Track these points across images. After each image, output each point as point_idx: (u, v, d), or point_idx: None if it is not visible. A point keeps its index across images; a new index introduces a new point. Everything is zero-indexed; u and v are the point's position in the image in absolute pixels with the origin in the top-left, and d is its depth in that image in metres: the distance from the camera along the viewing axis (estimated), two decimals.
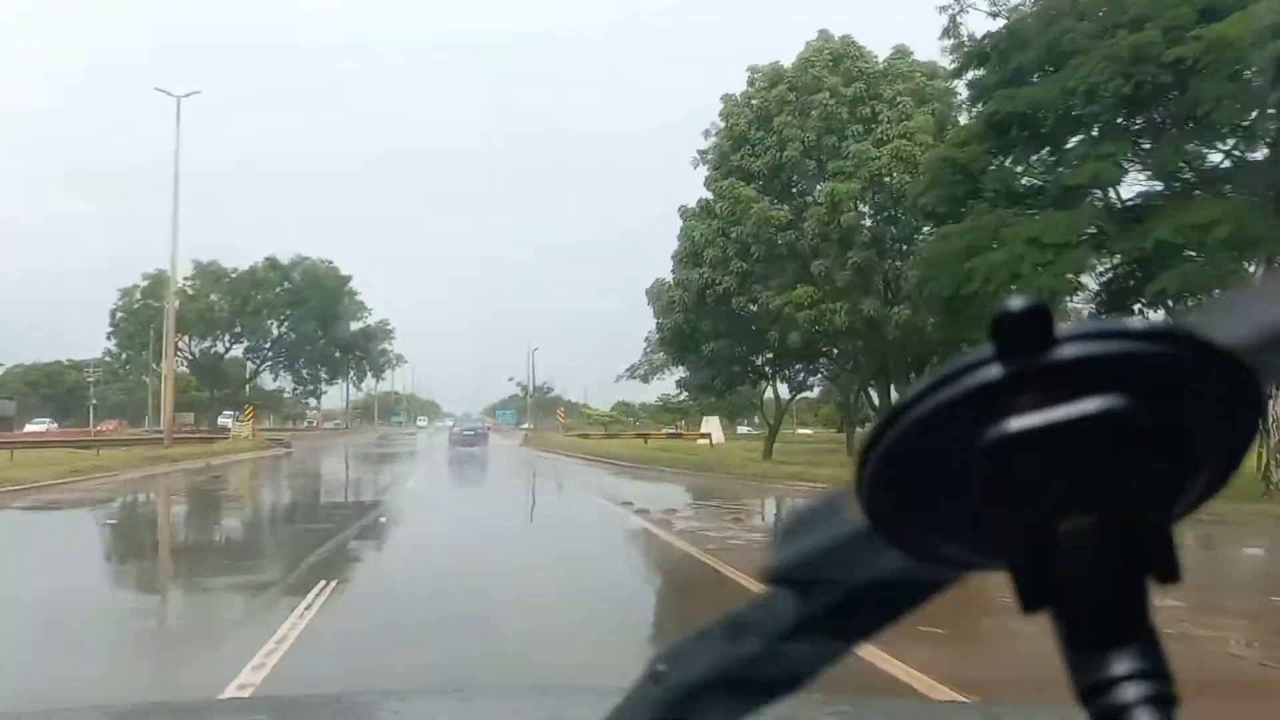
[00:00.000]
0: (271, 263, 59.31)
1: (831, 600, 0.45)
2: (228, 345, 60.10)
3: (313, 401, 77.83)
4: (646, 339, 36.42)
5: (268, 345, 61.26)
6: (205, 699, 3.99)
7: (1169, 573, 0.38)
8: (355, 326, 63.59)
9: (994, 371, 0.37)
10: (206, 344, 59.19)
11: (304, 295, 58.92)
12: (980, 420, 0.37)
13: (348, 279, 61.33)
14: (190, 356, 58.37)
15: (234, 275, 58.27)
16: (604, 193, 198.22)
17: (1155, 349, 0.37)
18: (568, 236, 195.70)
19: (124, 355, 62.16)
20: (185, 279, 51.11)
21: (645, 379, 39.57)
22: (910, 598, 0.45)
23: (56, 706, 1.57)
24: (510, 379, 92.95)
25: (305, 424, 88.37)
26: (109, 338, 60.26)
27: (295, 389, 66.81)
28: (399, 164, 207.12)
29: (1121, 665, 0.37)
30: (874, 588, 0.44)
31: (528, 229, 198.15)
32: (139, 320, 56.63)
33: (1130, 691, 0.37)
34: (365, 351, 64.87)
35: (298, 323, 59.64)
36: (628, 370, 40.37)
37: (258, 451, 37.28)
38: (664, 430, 52.92)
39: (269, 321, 60.04)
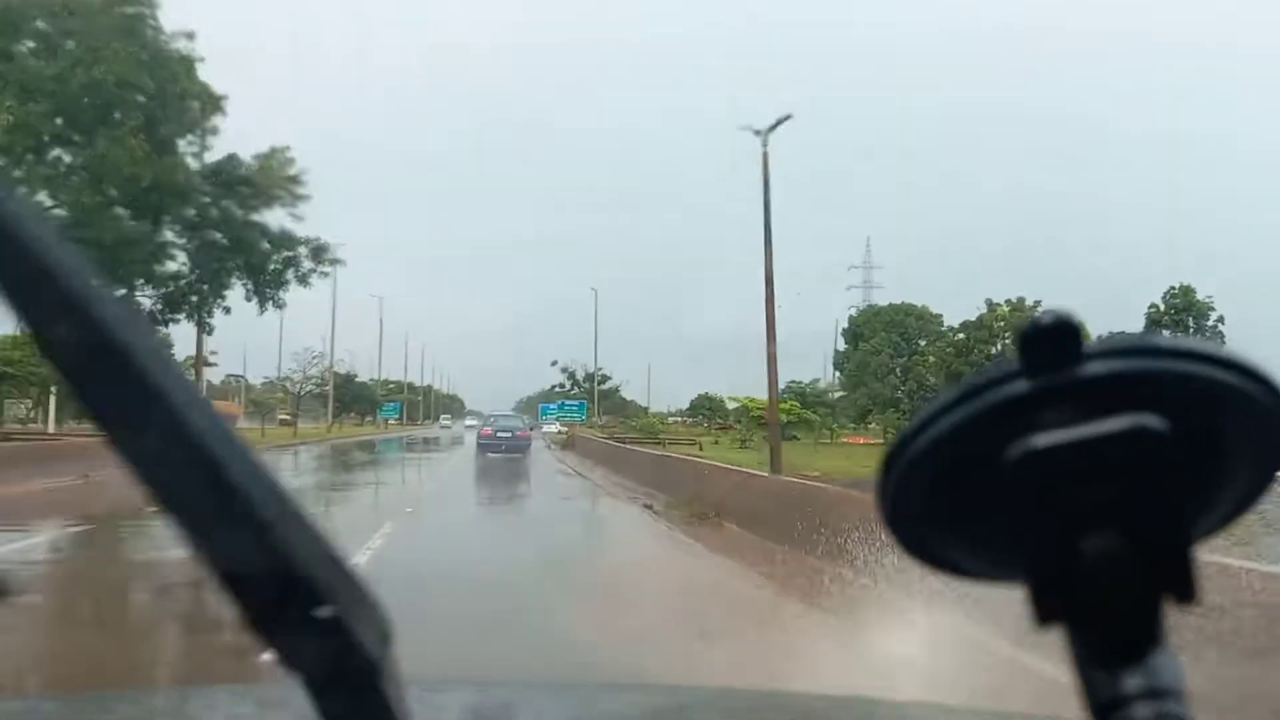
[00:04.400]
0: None
1: None
2: None
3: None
4: None
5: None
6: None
7: (1186, 593, 0.37)
8: (210, 159, 25.28)
9: (1020, 386, 0.36)
10: None
11: (75, 74, 22.20)
12: (1006, 435, 0.36)
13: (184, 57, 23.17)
14: None
15: None
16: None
17: (1185, 368, 0.36)
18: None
19: None
20: None
21: None
22: None
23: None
24: (554, 363, 65.39)
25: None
26: None
27: None
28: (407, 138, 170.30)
29: (1135, 683, 0.37)
30: None
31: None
32: None
33: (1143, 710, 0.36)
34: (229, 225, 25.75)
35: (53, 142, 22.72)
36: None
37: None
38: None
39: None
